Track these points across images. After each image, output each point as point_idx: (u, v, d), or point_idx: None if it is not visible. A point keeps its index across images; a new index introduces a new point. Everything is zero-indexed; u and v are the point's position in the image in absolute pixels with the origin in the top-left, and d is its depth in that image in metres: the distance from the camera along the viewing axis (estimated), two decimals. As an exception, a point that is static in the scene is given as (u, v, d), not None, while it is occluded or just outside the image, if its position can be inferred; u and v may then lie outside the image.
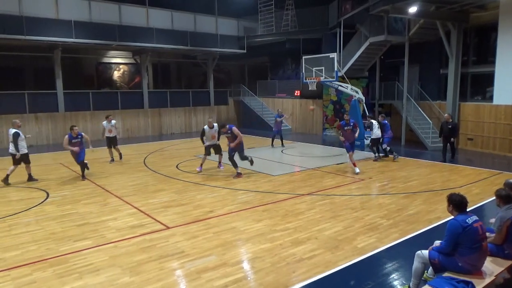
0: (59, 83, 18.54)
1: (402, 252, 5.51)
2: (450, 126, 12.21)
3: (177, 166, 12.09)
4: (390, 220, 6.86)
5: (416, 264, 4.25)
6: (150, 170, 11.68)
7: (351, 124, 11.12)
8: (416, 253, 4.29)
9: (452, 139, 12.29)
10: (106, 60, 23.30)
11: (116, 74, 23.71)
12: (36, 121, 18.12)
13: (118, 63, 23.63)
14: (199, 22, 21.88)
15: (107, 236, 6.25)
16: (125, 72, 24.02)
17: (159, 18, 20.42)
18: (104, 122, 12.97)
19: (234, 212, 7.45)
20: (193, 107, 23.25)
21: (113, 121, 13.00)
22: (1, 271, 5.08)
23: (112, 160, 13.02)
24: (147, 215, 7.33)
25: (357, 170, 10.67)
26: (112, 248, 5.79)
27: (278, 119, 15.82)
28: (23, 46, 17.98)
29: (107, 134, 12.87)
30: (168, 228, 6.61)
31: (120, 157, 13.22)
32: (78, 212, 7.55)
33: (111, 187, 9.52)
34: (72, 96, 19.13)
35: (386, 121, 13.06)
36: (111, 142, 12.96)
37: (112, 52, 22.82)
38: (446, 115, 12.77)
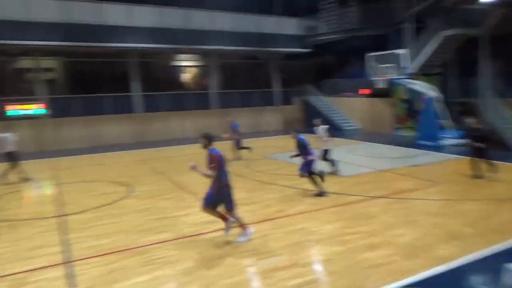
0: (135, 86, 19.91)
1: (488, 265, 5.10)
2: (479, 134, 9.40)
3: (246, 165, 12.35)
4: (475, 229, 6.36)
5: (508, 279, 3.92)
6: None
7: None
8: (506, 266, 3.95)
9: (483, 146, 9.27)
10: (177, 63, 24.55)
11: (186, 77, 24.86)
12: (116, 122, 19.61)
13: (188, 66, 24.76)
14: (261, 23, 22.18)
15: (184, 230, 6.60)
16: (194, 74, 25.09)
17: (224, 21, 21.05)
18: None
19: (304, 212, 7.44)
20: (259, 108, 23.57)
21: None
22: (94, 256, 5.61)
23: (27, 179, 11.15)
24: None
25: (242, 238, 6.08)
26: (188, 242, 6.10)
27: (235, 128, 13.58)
28: (101, 52, 19.56)
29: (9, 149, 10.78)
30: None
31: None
32: (157, 207, 8.07)
33: (185, 184, 9.98)
34: (147, 98, 20.45)
35: (302, 137, 8.55)
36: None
37: (183, 56, 23.98)
38: (470, 119, 9.85)
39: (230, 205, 5.98)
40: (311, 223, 6.79)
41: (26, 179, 11.07)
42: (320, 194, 8.38)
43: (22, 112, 17.83)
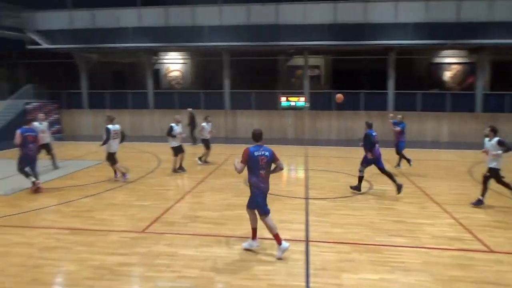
0: (391, 84, 19.63)
1: None
2: None
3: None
4: None
5: None
6: (474, 180, 10.44)
7: None
8: None
9: None
10: (438, 60, 22.58)
11: (447, 75, 22.55)
12: (368, 118, 19.95)
13: (451, 63, 22.35)
14: None
15: (422, 240, 6.11)
16: (458, 72, 22.42)
17: (504, 10, 17.70)
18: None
19: None
20: (542, 114, 18.86)
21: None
22: (328, 242, 5.99)
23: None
24: (468, 230, 6.60)
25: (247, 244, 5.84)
26: (425, 253, 5.61)
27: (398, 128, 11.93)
28: (361, 50, 20.03)
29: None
30: (491, 251, 5.72)
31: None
32: (396, 209, 7.79)
33: (431, 191, 9.19)
34: (401, 96, 19.83)
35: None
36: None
37: (446, 52, 21.81)
38: None
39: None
40: None
41: (207, 162, 12.65)
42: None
43: (289, 104, 20.70)
